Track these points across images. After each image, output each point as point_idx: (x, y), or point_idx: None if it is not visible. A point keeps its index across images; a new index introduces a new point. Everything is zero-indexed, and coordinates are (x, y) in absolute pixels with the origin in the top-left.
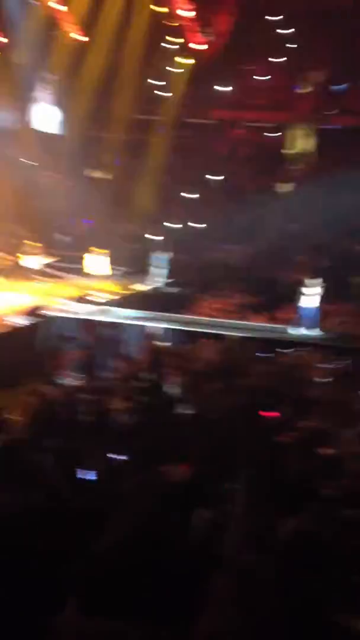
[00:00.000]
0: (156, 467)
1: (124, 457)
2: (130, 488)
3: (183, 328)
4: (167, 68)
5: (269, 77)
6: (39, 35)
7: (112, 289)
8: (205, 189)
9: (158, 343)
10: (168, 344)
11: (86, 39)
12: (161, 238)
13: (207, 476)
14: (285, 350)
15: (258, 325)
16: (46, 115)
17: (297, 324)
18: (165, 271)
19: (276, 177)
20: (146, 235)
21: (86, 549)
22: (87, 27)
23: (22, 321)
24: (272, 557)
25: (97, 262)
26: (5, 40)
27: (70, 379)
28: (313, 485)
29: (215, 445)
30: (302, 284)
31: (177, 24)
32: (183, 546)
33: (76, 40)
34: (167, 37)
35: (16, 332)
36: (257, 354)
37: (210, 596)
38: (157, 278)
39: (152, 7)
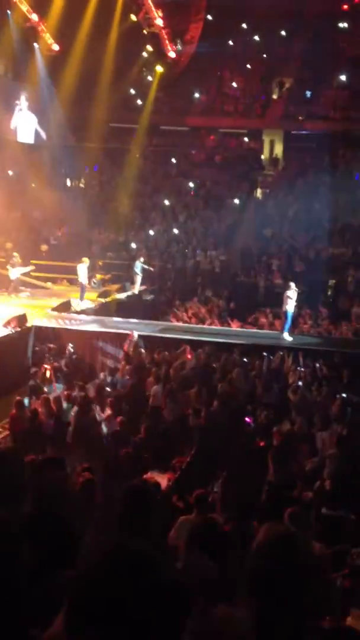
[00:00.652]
0: (140, 475)
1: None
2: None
3: (161, 335)
4: (142, 76)
5: (241, 84)
6: (16, 46)
7: (91, 297)
8: (181, 195)
9: (137, 350)
10: (147, 350)
11: (60, 48)
12: (135, 246)
13: (189, 483)
14: (265, 354)
15: (236, 330)
16: (25, 126)
17: (282, 327)
18: (139, 278)
19: (251, 183)
20: (124, 243)
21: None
22: (63, 37)
23: (7, 332)
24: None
25: (76, 270)
26: None
27: (55, 389)
28: (292, 488)
29: (197, 451)
30: (280, 288)
31: (150, 33)
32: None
33: (52, 50)
34: (141, 46)
35: (1, 344)
36: (235, 359)
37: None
38: (133, 285)
39: (125, 16)
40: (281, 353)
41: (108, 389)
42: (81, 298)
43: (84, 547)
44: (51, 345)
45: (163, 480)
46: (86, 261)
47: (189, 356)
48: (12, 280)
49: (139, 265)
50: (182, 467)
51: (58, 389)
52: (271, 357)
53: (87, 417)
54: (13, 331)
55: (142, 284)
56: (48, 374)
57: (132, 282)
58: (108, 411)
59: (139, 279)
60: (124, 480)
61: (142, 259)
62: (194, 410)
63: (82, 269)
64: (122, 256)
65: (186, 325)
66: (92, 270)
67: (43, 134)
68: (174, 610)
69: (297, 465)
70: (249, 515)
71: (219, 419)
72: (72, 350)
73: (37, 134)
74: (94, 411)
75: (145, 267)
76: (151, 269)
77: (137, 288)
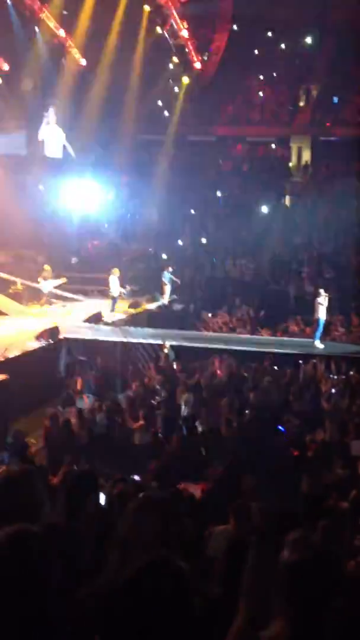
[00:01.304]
0: (173, 485)
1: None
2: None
3: (192, 344)
4: (168, 88)
5: (268, 92)
6: (44, 62)
7: (122, 309)
8: (209, 205)
9: (169, 360)
10: (178, 360)
11: (87, 63)
12: (165, 256)
13: (222, 493)
14: (300, 362)
15: (267, 339)
16: (53, 141)
17: (313, 335)
18: (167, 288)
19: (279, 191)
20: (153, 254)
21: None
22: (90, 52)
23: (39, 345)
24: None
25: (107, 282)
26: (7, 68)
27: (86, 401)
28: (326, 498)
29: (230, 461)
30: (310, 296)
31: (175, 45)
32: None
33: (80, 65)
34: (167, 58)
35: (33, 356)
36: (266, 367)
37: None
38: (162, 295)
39: (150, 29)
40: (314, 361)
41: (140, 399)
42: (112, 309)
43: (112, 562)
44: (82, 358)
45: (197, 490)
46: (116, 272)
47: (219, 371)
48: (44, 293)
49: (167, 276)
50: (215, 478)
51: (89, 400)
52: (305, 365)
53: (119, 427)
54: (45, 343)
55: (171, 294)
56: (79, 385)
57: (162, 293)
58: (141, 422)
59: (167, 289)
60: (158, 491)
61: (170, 270)
62: (227, 420)
63: (113, 280)
64: (152, 267)
65: (216, 334)
66: (122, 282)
67: (71, 151)
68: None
69: (332, 475)
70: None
71: (251, 429)
72: (103, 361)
73: (65, 149)
74: (126, 422)
75: (173, 278)
76: (178, 281)
77: (166, 298)
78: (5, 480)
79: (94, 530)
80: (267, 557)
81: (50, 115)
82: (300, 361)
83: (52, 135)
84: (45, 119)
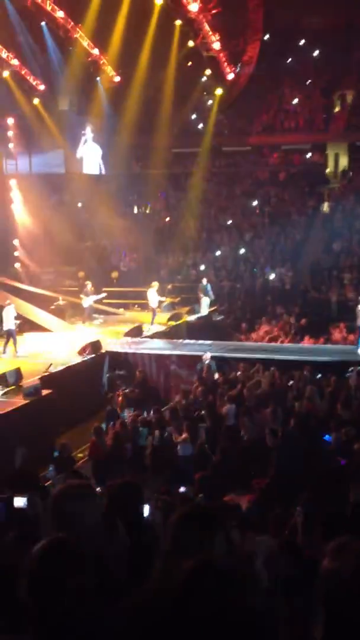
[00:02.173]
0: (218, 496)
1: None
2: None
3: (233, 355)
4: (202, 100)
5: (302, 99)
6: (79, 80)
7: (162, 321)
8: (247, 214)
9: (210, 371)
10: (219, 371)
11: (121, 79)
12: (203, 267)
13: (269, 504)
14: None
15: (309, 347)
16: (91, 157)
17: (357, 342)
18: (208, 299)
19: (316, 197)
20: (192, 265)
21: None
22: (124, 68)
23: (82, 360)
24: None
25: (147, 295)
26: (43, 88)
27: (129, 415)
28: None
29: (276, 471)
30: (353, 302)
31: (208, 57)
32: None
33: (114, 82)
34: (200, 71)
35: (77, 371)
36: (306, 376)
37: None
38: (202, 306)
39: (183, 43)
40: (358, 368)
41: (183, 411)
42: (152, 322)
43: (156, 572)
44: (121, 372)
45: (243, 501)
46: (155, 285)
47: (261, 381)
48: (85, 308)
49: (203, 287)
50: (261, 488)
51: (134, 413)
52: (351, 374)
53: (163, 440)
54: (88, 358)
55: (212, 304)
56: (121, 399)
57: (198, 304)
58: (184, 434)
59: (204, 300)
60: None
61: (205, 281)
62: (271, 430)
63: (152, 293)
64: (191, 278)
65: (258, 344)
66: (161, 294)
67: (103, 168)
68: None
69: None
70: (332, 537)
71: (297, 438)
72: (144, 374)
73: (102, 164)
74: (170, 434)
75: (209, 290)
76: (212, 297)
77: (203, 309)
78: (65, 493)
79: (136, 541)
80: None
81: (88, 133)
82: (351, 369)
83: (89, 152)
84: (83, 137)
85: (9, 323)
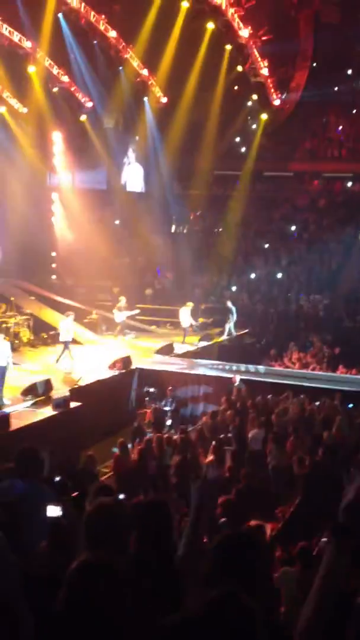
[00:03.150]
0: (242, 522)
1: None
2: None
3: (263, 379)
4: (246, 124)
5: (347, 128)
6: (127, 99)
7: (193, 340)
8: (284, 239)
9: (239, 394)
10: (248, 395)
11: (168, 100)
12: (234, 288)
13: (293, 534)
14: None
15: (341, 376)
16: (133, 175)
17: None
18: (233, 321)
19: (355, 226)
20: (226, 286)
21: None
22: (171, 89)
23: (112, 374)
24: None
25: (180, 314)
26: (91, 105)
27: (157, 432)
28: None
29: (301, 501)
30: None
31: (255, 82)
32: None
33: (161, 102)
34: (246, 95)
35: (106, 386)
36: (336, 405)
37: None
38: (228, 328)
39: (231, 67)
40: None
41: (210, 432)
42: (183, 341)
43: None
44: (151, 390)
45: (266, 529)
46: (190, 306)
47: (293, 402)
48: (118, 323)
49: (232, 309)
50: (285, 517)
51: (161, 431)
52: None
53: (187, 460)
54: (118, 373)
55: (244, 327)
56: (149, 416)
57: (227, 325)
58: (210, 456)
59: (230, 320)
60: (225, 528)
61: (229, 303)
62: (299, 458)
63: (185, 313)
64: (224, 300)
65: (288, 369)
66: (194, 314)
67: (143, 188)
68: None
69: None
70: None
71: (325, 468)
72: (172, 393)
73: (144, 183)
74: (195, 455)
75: (233, 312)
76: (234, 319)
77: (227, 330)
78: (99, 510)
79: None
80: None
81: (130, 155)
82: None
83: (132, 171)
84: (126, 160)
85: (65, 334)
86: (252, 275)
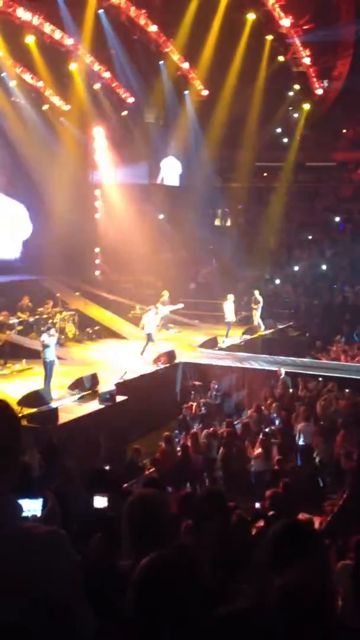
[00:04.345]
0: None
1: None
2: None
3: (308, 372)
4: (288, 115)
5: None
6: (167, 94)
7: (237, 334)
8: (328, 231)
9: (285, 387)
10: (294, 388)
11: (208, 93)
12: (278, 281)
13: (341, 528)
14: None
15: None
16: (174, 169)
17: None
18: (257, 311)
19: None
20: (270, 279)
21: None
22: (212, 82)
23: (156, 369)
24: None
25: (223, 307)
26: (132, 100)
27: (203, 425)
28: None
29: (350, 495)
30: None
31: (297, 72)
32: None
33: (201, 95)
34: (288, 86)
35: (151, 380)
36: None
37: None
38: (255, 318)
39: (272, 58)
40: None
41: (255, 426)
42: (227, 335)
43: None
44: (197, 383)
45: (315, 523)
46: (231, 298)
47: (341, 396)
48: (161, 317)
49: (255, 298)
50: (334, 511)
51: (205, 424)
52: None
53: (233, 453)
54: (162, 367)
55: (289, 319)
56: (194, 409)
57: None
58: (258, 449)
59: (257, 311)
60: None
61: (257, 292)
62: (347, 452)
63: (228, 306)
64: (267, 292)
65: (334, 362)
66: (238, 307)
67: (191, 177)
68: None
69: None
70: None
71: None
72: (216, 386)
73: (185, 176)
74: (241, 448)
75: (259, 300)
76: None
77: (255, 321)
78: (141, 502)
79: (222, 551)
80: None
81: (169, 149)
82: None
83: (171, 165)
84: (166, 151)
85: (149, 327)
86: (296, 268)
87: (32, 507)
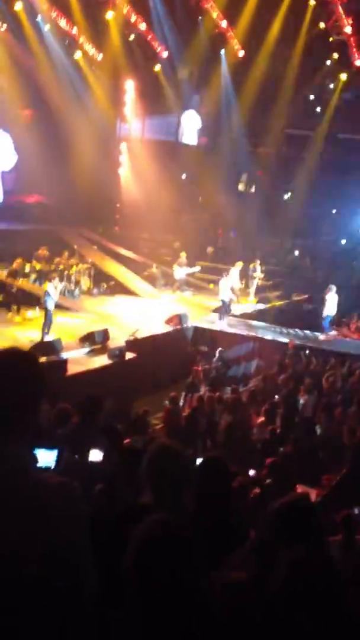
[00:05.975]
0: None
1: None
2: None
3: (320, 347)
4: (324, 84)
5: None
6: (203, 51)
7: (251, 302)
8: (356, 205)
9: (294, 359)
10: (302, 361)
11: (245, 54)
12: (297, 252)
13: (338, 502)
14: None
15: None
16: (190, 127)
17: None
18: (254, 283)
19: None
20: (290, 249)
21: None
22: (250, 43)
23: (168, 329)
24: None
25: (238, 274)
26: (166, 54)
27: (210, 389)
28: None
29: (349, 471)
30: None
31: (337, 40)
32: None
33: (238, 56)
34: (326, 54)
35: (161, 340)
36: None
37: None
38: (248, 290)
39: (313, 24)
40: None
41: (261, 394)
42: (237, 300)
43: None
44: (203, 348)
45: (312, 495)
46: (239, 265)
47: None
48: (177, 279)
49: (252, 270)
50: (331, 485)
51: (211, 389)
52: None
53: (236, 420)
54: (173, 329)
55: (304, 292)
56: (201, 374)
57: (247, 287)
58: (262, 418)
59: (253, 284)
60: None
61: (258, 263)
62: (349, 428)
63: (235, 272)
64: (286, 263)
65: (348, 339)
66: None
67: (218, 138)
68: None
69: None
70: None
71: None
72: (217, 354)
73: (212, 138)
74: (244, 415)
75: (259, 271)
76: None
77: (251, 294)
78: (159, 450)
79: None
80: None
81: (198, 106)
82: None
83: (191, 122)
84: (197, 110)
85: (224, 294)
86: (316, 241)
87: (47, 458)
